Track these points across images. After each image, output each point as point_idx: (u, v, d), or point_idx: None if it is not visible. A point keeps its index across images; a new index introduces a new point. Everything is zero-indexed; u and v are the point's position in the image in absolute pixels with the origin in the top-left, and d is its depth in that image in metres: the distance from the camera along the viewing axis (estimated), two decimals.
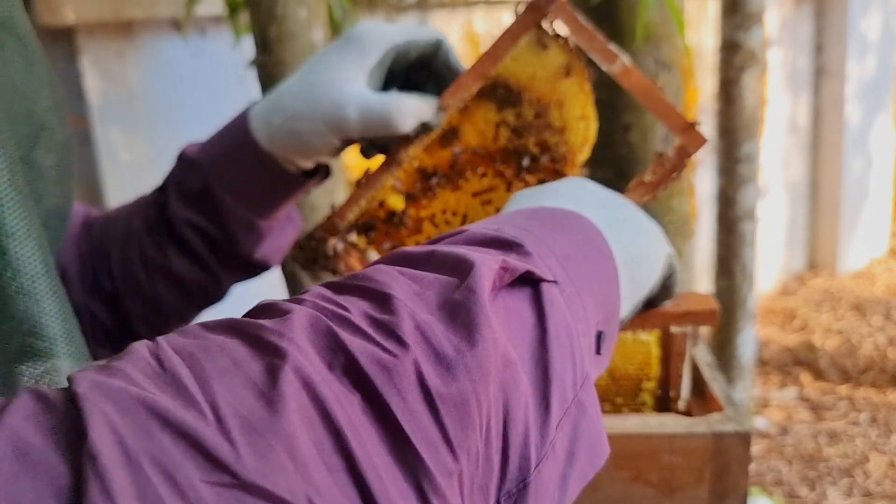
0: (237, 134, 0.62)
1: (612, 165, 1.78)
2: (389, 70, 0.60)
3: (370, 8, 2.19)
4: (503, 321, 0.30)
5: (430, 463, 0.25)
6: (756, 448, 2.70)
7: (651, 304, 0.48)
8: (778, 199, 3.91)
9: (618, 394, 0.56)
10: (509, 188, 0.59)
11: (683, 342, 0.54)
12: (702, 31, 3.22)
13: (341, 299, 0.29)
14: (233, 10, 1.48)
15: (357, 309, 0.28)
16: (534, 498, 0.28)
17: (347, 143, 0.60)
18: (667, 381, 0.56)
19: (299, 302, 0.29)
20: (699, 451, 0.51)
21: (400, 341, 0.27)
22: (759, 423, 2.83)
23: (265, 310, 0.29)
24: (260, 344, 0.25)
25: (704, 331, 3.12)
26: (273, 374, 0.24)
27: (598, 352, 0.37)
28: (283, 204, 0.64)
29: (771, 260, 3.85)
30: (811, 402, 2.93)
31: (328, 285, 0.31)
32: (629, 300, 0.41)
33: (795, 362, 3.23)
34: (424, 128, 0.57)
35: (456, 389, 0.26)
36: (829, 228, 4.09)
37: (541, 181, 0.58)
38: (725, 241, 2.16)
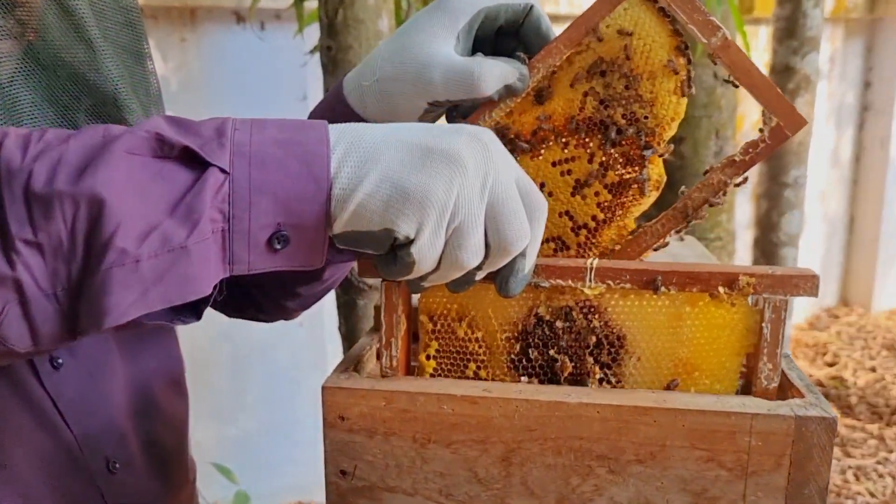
0: (333, 98, 0.64)
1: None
2: (478, 35, 0.59)
3: None
4: (147, 172, 0.42)
5: (14, 231, 0.40)
6: None
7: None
8: (815, 232, 3.87)
9: (705, 370, 0.54)
10: (591, 160, 0.58)
11: (780, 312, 0.51)
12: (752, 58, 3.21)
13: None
14: None
15: (19, 138, 0.43)
16: (102, 285, 0.41)
17: (435, 106, 0.59)
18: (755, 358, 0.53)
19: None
20: (780, 436, 0.48)
21: (26, 156, 0.41)
22: None
23: None
24: None
25: None
26: None
27: (270, 246, 0.45)
28: None
29: None
30: (840, 437, 2.89)
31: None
32: (349, 224, 0.46)
33: (825, 397, 3.18)
34: (509, 91, 0.57)
35: (47, 193, 0.40)
36: (865, 265, 4.04)
37: (624, 155, 0.58)
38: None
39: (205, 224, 0.42)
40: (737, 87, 0.56)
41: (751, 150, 0.54)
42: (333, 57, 1.28)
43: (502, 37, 0.61)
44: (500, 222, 0.47)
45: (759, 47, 3.13)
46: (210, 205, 0.42)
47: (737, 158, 0.54)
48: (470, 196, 0.45)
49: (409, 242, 0.45)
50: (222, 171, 0.43)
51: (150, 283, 0.42)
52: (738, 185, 0.56)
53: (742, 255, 3.10)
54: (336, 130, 0.47)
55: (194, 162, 0.43)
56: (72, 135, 0.43)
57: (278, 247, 0.45)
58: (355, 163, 0.45)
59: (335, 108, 0.63)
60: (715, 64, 0.56)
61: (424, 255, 0.45)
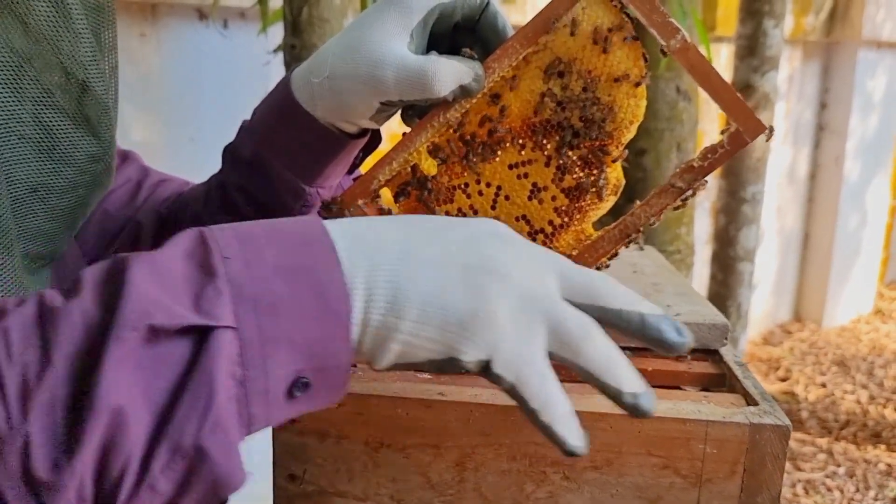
0: (280, 94, 0.62)
1: (625, 190, 1.78)
2: (433, 33, 0.57)
3: None
4: (143, 373, 0.35)
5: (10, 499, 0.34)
6: None
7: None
8: (770, 248, 3.94)
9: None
10: (548, 163, 0.57)
11: None
12: None
13: None
14: None
15: None
16: None
17: (388, 106, 0.58)
18: None
19: None
20: (734, 443, 0.48)
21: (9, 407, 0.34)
22: None
23: None
24: None
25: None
26: None
27: (289, 395, 0.39)
28: (328, 167, 0.63)
29: (757, 307, 3.87)
30: (790, 451, 2.94)
31: None
32: (383, 351, 0.40)
33: None
34: (464, 92, 0.55)
35: (53, 480, 0.34)
36: (817, 282, 4.13)
37: (582, 158, 0.56)
38: (723, 280, 2.17)
39: (218, 403, 0.36)
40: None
41: (709, 155, 0.53)
42: (297, 56, 1.26)
43: (460, 34, 0.59)
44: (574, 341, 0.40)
45: (721, 65, 3.18)
46: (220, 375, 0.36)
47: (695, 164, 0.54)
48: (532, 292, 0.40)
49: (488, 364, 0.39)
50: (227, 327, 0.36)
51: (175, 497, 0.37)
52: (696, 190, 0.55)
53: (700, 270, 3.14)
54: (343, 241, 0.40)
55: (193, 332, 0.37)
56: (54, 344, 0.35)
57: (298, 394, 0.39)
58: (384, 298, 0.39)
59: (283, 106, 0.61)
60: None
61: (519, 368, 0.39)
